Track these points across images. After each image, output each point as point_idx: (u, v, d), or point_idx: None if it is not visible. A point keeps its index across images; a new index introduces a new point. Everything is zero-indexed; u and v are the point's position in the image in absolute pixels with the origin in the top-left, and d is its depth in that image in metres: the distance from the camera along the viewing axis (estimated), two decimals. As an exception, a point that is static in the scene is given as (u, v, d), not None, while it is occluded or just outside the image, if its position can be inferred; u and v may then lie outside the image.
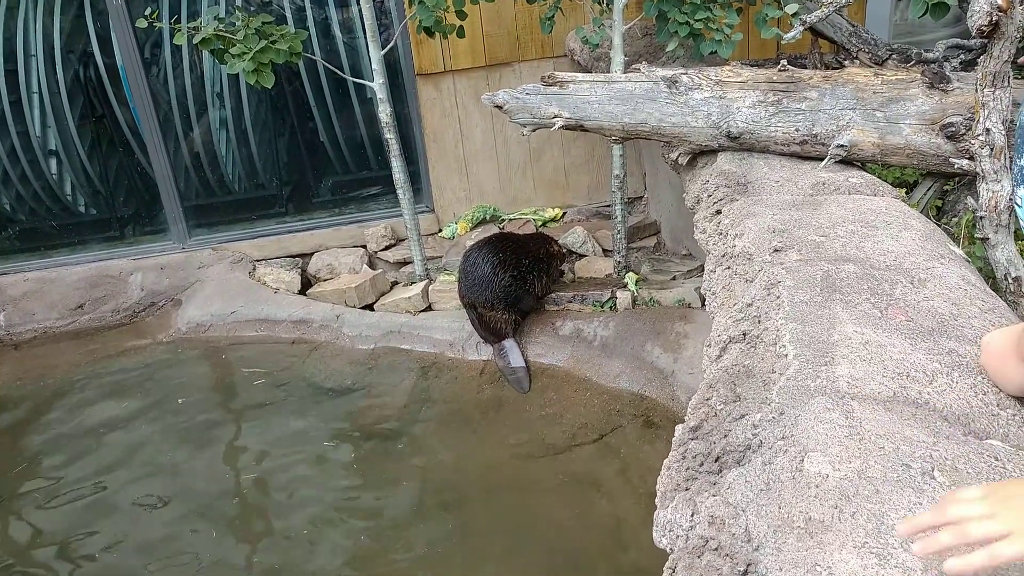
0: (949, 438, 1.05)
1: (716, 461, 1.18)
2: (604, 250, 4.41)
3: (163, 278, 4.59)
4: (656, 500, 1.22)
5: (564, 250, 4.11)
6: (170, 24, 3.71)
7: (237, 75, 4.49)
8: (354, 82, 4.20)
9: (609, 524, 2.76)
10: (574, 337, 3.68)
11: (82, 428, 3.58)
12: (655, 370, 3.37)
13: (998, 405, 1.16)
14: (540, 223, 4.70)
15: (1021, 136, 1.07)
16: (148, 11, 3.58)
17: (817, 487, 0.96)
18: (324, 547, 2.78)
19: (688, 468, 1.21)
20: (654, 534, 1.16)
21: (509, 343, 3.65)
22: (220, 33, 3.52)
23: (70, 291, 4.52)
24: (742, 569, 0.91)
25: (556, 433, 3.22)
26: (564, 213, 4.84)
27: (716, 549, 0.96)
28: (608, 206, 4.25)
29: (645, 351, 3.45)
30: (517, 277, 3.65)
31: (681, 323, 3.47)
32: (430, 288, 4.17)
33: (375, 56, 3.76)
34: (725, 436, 1.21)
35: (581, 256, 4.35)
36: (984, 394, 1.18)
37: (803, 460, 1.02)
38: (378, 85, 3.82)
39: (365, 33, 3.78)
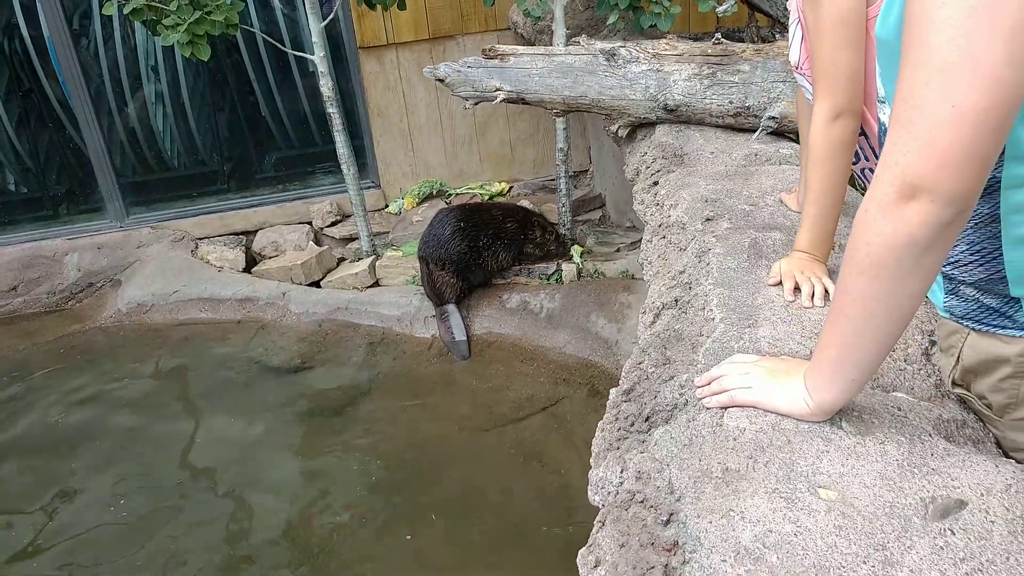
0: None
1: (646, 421, 1.23)
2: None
3: (100, 258, 4.47)
4: (591, 460, 1.27)
5: (549, 239, 3.90)
6: (99, -6, 3.58)
7: (172, 47, 4.37)
8: (295, 55, 4.12)
9: (556, 492, 2.83)
10: (521, 310, 3.73)
11: (21, 414, 3.49)
12: (600, 340, 3.44)
13: (905, 361, 1.24)
14: (487, 197, 4.72)
15: None
16: (75, -20, 3.45)
17: (735, 440, 1.02)
18: (272, 526, 2.78)
19: (620, 428, 1.26)
20: (589, 492, 1.21)
21: (451, 308, 3.69)
22: (152, 4, 3.41)
23: (2, 273, 4.37)
24: (665, 518, 0.96)
25: (504, 405, 3.27)
26: (511, 187, 4.86)
27: (642, 501, 1.01)
28: (554, 179, 4.29)
29: (590, 322, 3.51)
30: (473, 249, 3.68)
31: (625, 294, 3.55)
32: (377, 264, 4.16)
33: (315, 28, 3.70)
34: (655, 397, 1.26)
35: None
36: (893, 351, 1.26)
37: (723, 416, 1.08)
38: (319, 58, 3.76)
39: (305, 5, 3.71)
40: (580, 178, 4.86)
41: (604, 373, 3.35)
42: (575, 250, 3.95)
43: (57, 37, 4.27)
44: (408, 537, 2.68)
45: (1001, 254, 0.96)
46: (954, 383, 1.13)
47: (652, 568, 0.90)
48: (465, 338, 3.63)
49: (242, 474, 3.04)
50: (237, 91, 4.69)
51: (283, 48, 4.04)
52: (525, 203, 4.49)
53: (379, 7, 3.67)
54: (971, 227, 0.98)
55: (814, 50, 1.35)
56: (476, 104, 2.77)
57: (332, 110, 3.88)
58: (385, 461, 3.04)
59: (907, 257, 0.83)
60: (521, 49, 2.67)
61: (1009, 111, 0.77)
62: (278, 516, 2.82)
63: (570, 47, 2.69)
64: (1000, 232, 0.95)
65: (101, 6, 3.64)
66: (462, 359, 3.57)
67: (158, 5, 3.41)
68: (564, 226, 4.04)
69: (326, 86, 3.82)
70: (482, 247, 3.72)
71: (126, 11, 3.41)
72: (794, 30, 1.58)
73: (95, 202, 4.71)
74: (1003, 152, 0.89)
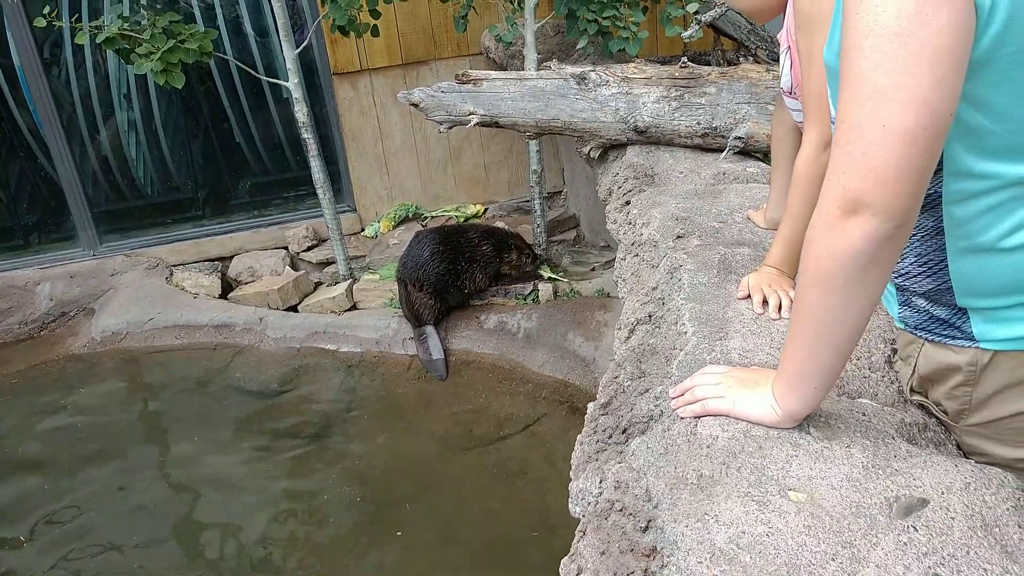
0: (825, 399, 1.16)
1: (623, 433, 1.27)
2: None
3: (73, 287, 4.43)
4: (571, 473, 1.30)
5: (525, 260, 3.94)
6: (71, 23, 3.59)
7: (145, 75, 4.38)
8: (269, 82, 4.15)
9: (538, 509, 2.85)
10: (498, 330, 3.76)
11: (-9, 445, 3.44)
12: (577, 358, 3.48)
13: (869, 368, 1.29)
14: (462, 219, 4.76)
15: None
16: (46, 9, 3.45)
17: (708, 447, 1.06)
18: (257, 552, 2.76)
19: (598, 441, 1.29)
20: (570, 504, 1.24)
21: (429, 329, 3.72)
22: (125, 32, 3.43)
23: (-28, 304, 4.31)
24: (643, 525, 0.99)
25: (484, 424, 3.28)
26: (486, 209, 4.91)
27: (621, 510, 1.04)
28: (528, 201, 4.34)
29: (567, 341, 3.55)
30: (451, 271, 3.72)
31: (601, 312, 3.60)
32: (354, 287, 4.17)
33: (289, 55, 3.73)
34: (631, 409, 1.30)
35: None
36: (858, 360, 1.31)
37: (697, 425, 1.11)
38: (293, 85, 3.79)
39: (278, 32, 3.75)
40: (554, 199, 4.93)
41: (582, 391, 3.38)
42: (543, 270, 4.00)
43: (28, 65, 4.26)
44: (391, 556, 2.67)
45: (947, 265, 1.01)
46: (912, 390, 1.18)
47: (632, 573, 0.93)
48: (443, 358, 3.65)
49: (221, 499, 3.02)
50: (211, 118, 4.70)
51: (257, 75, 4.07)
52: (501, 224, 4.54)
53: (352, 34, 3.72)
54: (918, 240, 1.03)
55: (805, 80, 1.40)
56: (450, 128, 2.82)
57: (307, 135, 3.91)
58: (366, 482, 3.04)
59: (852, 271, 0.87)
60: (494, 74, 2.73)
61: (938, 129, 0.82)
62: (258, 539, 2.80)
63: (542, 71, 2.76)
64: (945, 244, 1.00)
65: (73, 35, 3.66)
66: (440, 379, 3.59)
67: (131, 34, 3.43)
68: (540, 246, 4.09)
69: (301, 112, 3.85)
70: (460, 269, 3.76)
71: (99, 40, 3.43)
72: (784, 59, 1.66)
73: (67, 231, 4.67)
74: (942, 168, 0.94)
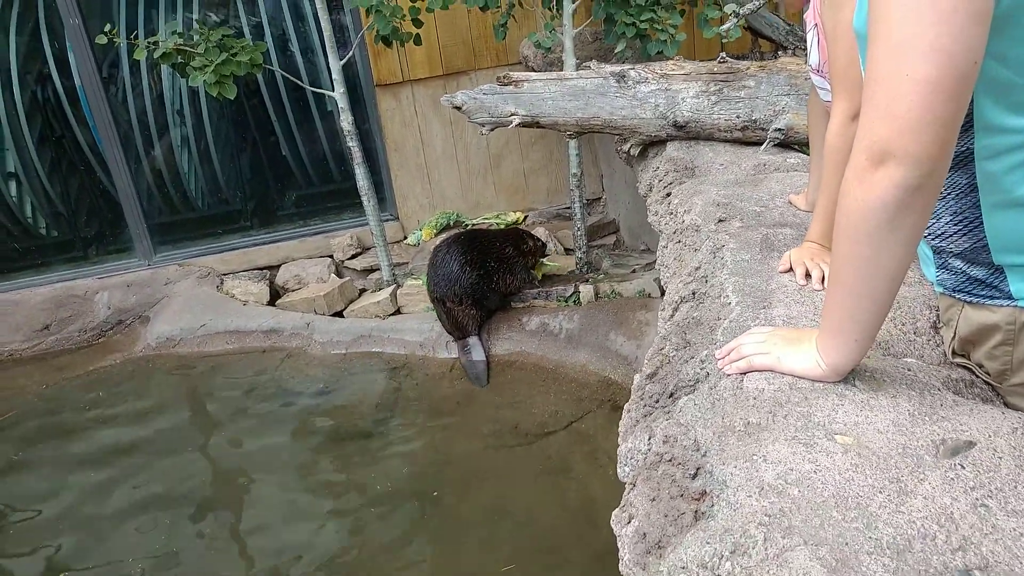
0: (870, 358, 1.18)
1: (670, 397, 1.30)
2: (566, 249, 4.55)
3: (130, 295, 4.61)
4: (619, 439, 1.33)
5: (539, 244, 4.07)
6: (129, 40, 3.77)
7: (197, 93, 4.57)
8: (314, 92, 4.29)
9: (581, 506, 2.86)
10: (541, 331, 3.80)
11: (57, 448, 3.57)
12: (619, 357, 3.50)
13: (915, 332, 1.30)
14: (502, 227, 4.82)
15: None
16: (108, 27, 3.64)
17: (755, 399, 1.09)
18: (306, 548, 2.83)
19: (646, 406, 1.33)
20: (618, 469, 1.27)
21: (473, 340, 3.76)
22: (180, 48, 3.59)
23: (35, 312, 4.51)
24: (692, 472, 1.02)
25: (527, 422, 3.32)
26: (526, 216, 4.97)
27: (670, 460, 1.07)
28: (567, 207, 4.39)
29: (609, 340, 3.58)
30: (484, 275, 3.76)
31: (642, 312, 3.62)
32: (398, 292, 4.26)
33: (335, 66, 3.86)
34: (677, 375, 1.33)
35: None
36: (903, 324, 1.32)
37: (743, 380, 1.14)
38: (339, 94, 3.92)
39: (323, 45, 3.89)
40: (593, 205, 4.97)
41: (625, 389, 3.39)
42: (546, 263, 4.07)
43: (88, 86, 4.47)
44: (435, 551, 2.71)
45: (982, 222, 1.02)
46: (954, 353, 1.19)
47: (683, 514, 0.96)
48: (484, 361, 3.69)
49: (268, 497, 3.10)
50: (259, 133, 4.86)
51: (303, 85, 4.20)
52: (541, 230, 4.60)
53: (395, 44, 3.83)
54: (952, 198, 1.04)
55: (832, 54, 1.42)
56: (492, 130, 2.88)
57: (352, 144, 4.02)
58: (411, 480, 3.09)
59: (882, 220, 0.89)
60: (534, 75, 2.80)
61: (960, 78, 0.84)
62: (304, 534, 2.87)
63: (581, 71, 2.81)
64: (979, 201, 1.02)
65: (130, 54, 3.83)
66: (480, 387, 3.62)
67: (187, 48, 3.59)
68: (580, 250, 4.13)
69: (346, 120, 3.97)
70: (491, 269, 3.80)
71: (156, 55, 3.59)
72: (811, 38, 1.70)
73: (124, 242, 4.87)
74: (973, 124, 0.96)
